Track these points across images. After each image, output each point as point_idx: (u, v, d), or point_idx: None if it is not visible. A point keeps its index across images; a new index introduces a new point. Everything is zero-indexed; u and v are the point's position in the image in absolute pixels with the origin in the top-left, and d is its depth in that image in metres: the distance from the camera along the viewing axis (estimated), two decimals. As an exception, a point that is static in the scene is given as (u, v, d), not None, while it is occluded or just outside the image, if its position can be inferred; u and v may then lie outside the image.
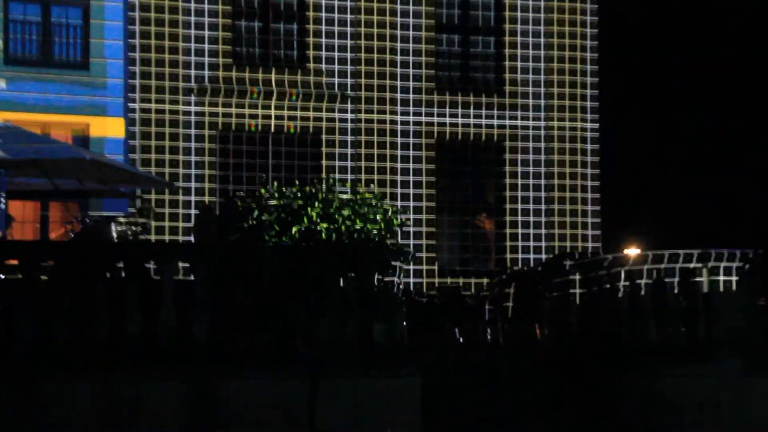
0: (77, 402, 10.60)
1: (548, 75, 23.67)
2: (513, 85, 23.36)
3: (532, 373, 14.62)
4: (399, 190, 21.81)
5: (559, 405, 13.66)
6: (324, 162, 22.08)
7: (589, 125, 23.54)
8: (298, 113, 21.97)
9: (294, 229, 14.32)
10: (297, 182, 18.47)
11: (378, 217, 15.05)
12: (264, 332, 11.48)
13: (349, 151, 22.49)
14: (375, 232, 14.80)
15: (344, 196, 15.28)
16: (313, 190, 15.51)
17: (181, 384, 11.06)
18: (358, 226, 14.58)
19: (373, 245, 14.21)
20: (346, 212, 14.59)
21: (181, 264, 12.76)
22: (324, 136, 22.32)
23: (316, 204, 14.66)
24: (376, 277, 12.54)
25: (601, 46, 25.17)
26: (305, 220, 14.41)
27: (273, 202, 14.98)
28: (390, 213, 15.54)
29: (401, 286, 15.05)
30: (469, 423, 12.81)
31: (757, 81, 31.64)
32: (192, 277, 12.12)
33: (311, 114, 22.11)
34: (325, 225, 14.33)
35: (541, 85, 23.40)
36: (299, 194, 15.28)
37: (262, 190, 16.37)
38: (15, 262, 11.82)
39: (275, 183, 18.47)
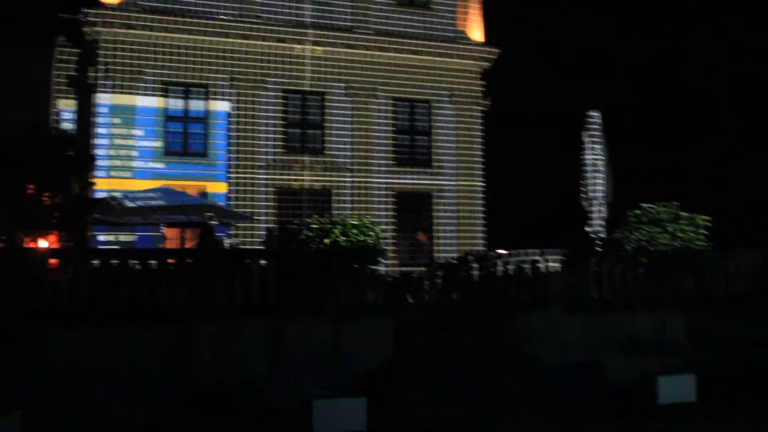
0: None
1: (457, 155, 27.35)
2: (439, 161, 27.14)
3: (452, 318, 17.38)
4: (380, 220, 23.52)
5: (464, 336, 16.12)
6: (333, 204, 25.69)
7: (479, 182, 27.52)
8: (319, 178, 25.68)
9: (327, 241, 15.54)
10: (325, 215, 19.94)
11: (371, 233, 16.28)
12: (311, 297, 14.03)
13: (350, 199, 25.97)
14: (370, 242, 15.94)
15: (354, 222, 16.35)
16: (335, 219, 16.79)
17: (266, 321, 13.59)
18: (362, 239, 15.81)
19: (368, 249, 15.43)
20: (355, 231, 15.82)
21: (262, 261, 14.64)
22: (334, 191, 25.86)
23: (338, 226, 15.79)
24: (370, 265, 15.01)
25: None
26: (332, 235, 15.59)
27: (314, 226, 16.10)
28: (377, 232, 16.70)
29: (380, 271, 16.57)
30: (416, 345, 15.02)
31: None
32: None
33: (326, 178, 25.83)
34: (343, 238, 15.54)
35: (453, 161, 27.22)
36: (328, 222, 16.38)
37: (308, 220, 17.41)
38: (172, 260, 14.57)
39: (314, 216, 19.11)
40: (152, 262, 14.19)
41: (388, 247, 22.93)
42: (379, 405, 12.43)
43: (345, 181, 26.31)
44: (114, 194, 21.18)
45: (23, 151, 15.14)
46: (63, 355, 12.56)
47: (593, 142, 22.63)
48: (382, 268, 17.27)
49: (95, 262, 13.94)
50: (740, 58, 40.04)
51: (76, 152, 17.37)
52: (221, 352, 13.44)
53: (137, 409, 12.36)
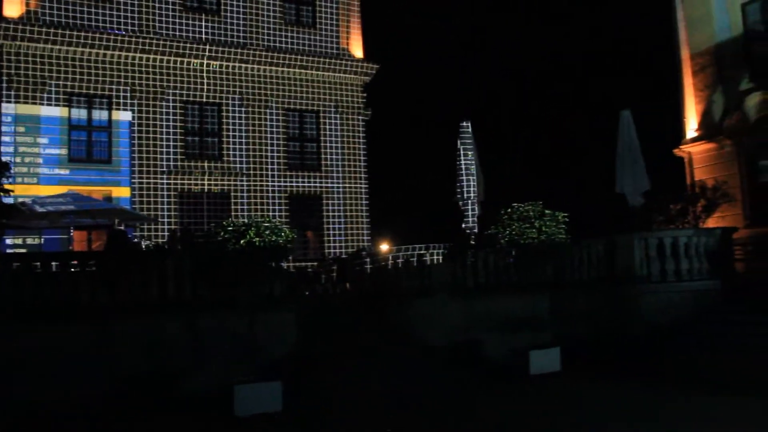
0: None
1: (342, 159, 27.89)
2: (326, 165, 27.62)
3: (347, 307, 17.48)
4: (275, 220, 20.24)
5: (361, 322, 16.12)
6: (232, 206, 25.76)
7: (362, 184, 28.10)
8: (218, 182, 25.73)
9: (242, 241, 15.59)
10: (227, 217, 21.49)
11: (282, 234, 16.36)
12: (226, 291, 13.84)
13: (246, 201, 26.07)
14: (281, 241, 16.00)
15: (266, 224, 16.32)
16: (249, 222, 16.55)
17: (184, 315, 13.42)
18: (274, 239, 15.88)
19: (280, 248, 15.62)
20: (267, 232, 15.91)
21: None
22: (232, 194, 25.93)
23: (252, 228, 15.83)
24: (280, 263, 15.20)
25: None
26: (248, 236, 15.66)
27: (230, 228, 16.04)
28: (288, 233, 16.64)
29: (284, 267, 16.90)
30: (320, 332, 15.03)
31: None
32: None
33: (224, 182, 25.87)
34: (258, 239, 15.64)
35: (340, 166, 27.79)
36: (243, 224, 16.25)
37: (224, 223, 17.08)
38: (76, 261, 14.19)
39: (230, 219, 20.32)
40: (73, 263, 13.94)
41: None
42: (292, 387, 12.64)
43: (242, 185, 26.29)
44: (23, 200, 20.34)
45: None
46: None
47: (465, 148, 23.74)
48: (283, 264, 17.35)
49: (16, 264, 13.43)
50: (594, 58, 42.03)
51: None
52: (143, 345, 13.20)
53: (63, 399, 12.10)
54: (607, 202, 19.64)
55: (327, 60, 27.98)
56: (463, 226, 23.74)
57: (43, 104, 23.34)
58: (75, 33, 23.71)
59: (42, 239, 22.90)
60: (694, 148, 24.04)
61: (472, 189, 23.61)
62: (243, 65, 26.68)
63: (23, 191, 22.00)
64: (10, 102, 22.75)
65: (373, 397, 12.93)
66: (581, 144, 37.21)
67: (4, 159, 21.61)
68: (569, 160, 38.24)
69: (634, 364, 13.86)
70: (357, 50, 28.89)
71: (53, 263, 13.95)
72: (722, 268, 16.36)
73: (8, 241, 22.03)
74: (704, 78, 24.23)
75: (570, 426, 10.22)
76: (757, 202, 21.85)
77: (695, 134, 24.19)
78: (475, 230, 22.89)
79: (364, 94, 29.04)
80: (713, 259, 16.35)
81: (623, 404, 11.36)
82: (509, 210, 17.45)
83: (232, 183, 26.15)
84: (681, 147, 24.55)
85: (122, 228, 22.44)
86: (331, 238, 27.47)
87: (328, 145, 28.03)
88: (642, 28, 35.27)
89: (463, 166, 23.90)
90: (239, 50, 26.56)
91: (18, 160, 22.48)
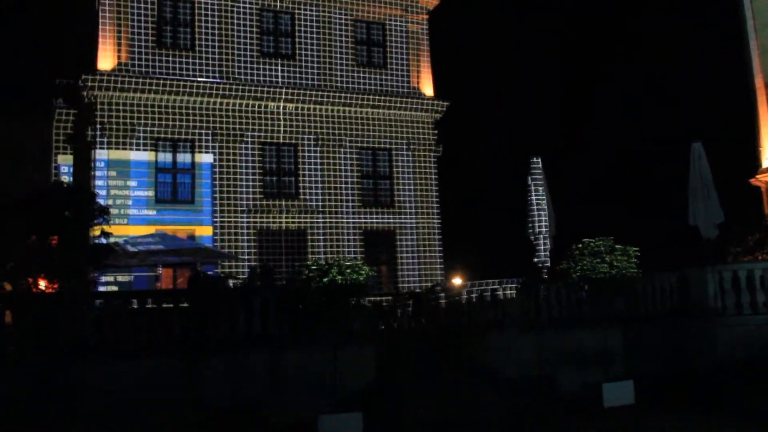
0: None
1: (416, 196, 28.75)
2: (399, 201, 28.34)
3: (423, 341, 17.92)
4: (350, 255, 24.63)
5: (436, 355, 16.77)
6: (309, 242, 26.92)
7: (435, 219, 28.73)
8: (295, 220, 26.92)
9: (325, 279, 15.75)
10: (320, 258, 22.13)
11: (362, 272, 16.24)
12: (312, 326, 14.50)
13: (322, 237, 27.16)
14: (361, 279, 16.00)
15: (347, 263, 16.42)
16: (331, 261, 16.61)
17: (269, 350, 14.16)
18: (354, 277, 15.92)
19: (360, 286, 15.77)
20: (348, 270, 15.99)
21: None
22: (308, 231, 26.93)
23: (334, 267, 15.98)
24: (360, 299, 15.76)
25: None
26: (330, 274, 15.80)
27: (314, 267, 16.33)
28: (367, 270, 16.53)
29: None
30: (397, 365, 15.67)
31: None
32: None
33: (301, 220, 26.93)
34: (340, 277, 15.76)
35: (412, 202, 28.60)
36: (326, 264, 16.42)
37: (308, 263, 17.61)
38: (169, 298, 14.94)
39: (313, 258, 21.28)
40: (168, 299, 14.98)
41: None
42: (371, 418, 13.31)
43: (317, 222, 27.34)
44: (115, 240, 21.60)
45: (44, 204, 15.84)
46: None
47: (536, 183, 24.25)
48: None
49: (118, 302, 14.72)
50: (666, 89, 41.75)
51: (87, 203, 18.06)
52: (231, 377, 14.03)
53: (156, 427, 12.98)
54: (680, 234, 19.79)
55: (398, 99, 29.00)
56: (535, 260, 24.10)
57: (132, 149, 25.02)
58: (162, 81, 25.43)
59: (132, 277, 24.25)
60: (771, 178, 23.92)
61: (543, 224, 24.04)
62: (317, 106, 27.88)
63: (114, 231, 23.18)
64: (103, 148, 24.47)
65: (449, 428, 13.51)
66: (654, 178, 36.98)
67: (98, 202, 23.89)
68: (642, 194, 37.98)
69: (708, 398, 14.04)
70: (427, 88, 29.88)
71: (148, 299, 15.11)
72: (801, 300, 16.31)
73: (102, 278, 23.31)
74: (780, 106, 24.18)
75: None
76: (838, 233, 21.52)
77: (772, 163, 24.09)
78: (547, 265, 23.27)
79: (435, 131, 29.87)
80: (792, 291, 16.33)
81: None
82: (580, 245, 17.88)
83: (308, 220, 27.22)
84: (757, 176, 24.47)
85: (202, 270, 23.39)
86: (405, 272, 28.17)
87: (400, 181, 28.90)
88: (713, 58, 35.01)
89: (534, 201, 24.38)
90: (314, 92, 27.77)
91: (110, 202, 24.00)
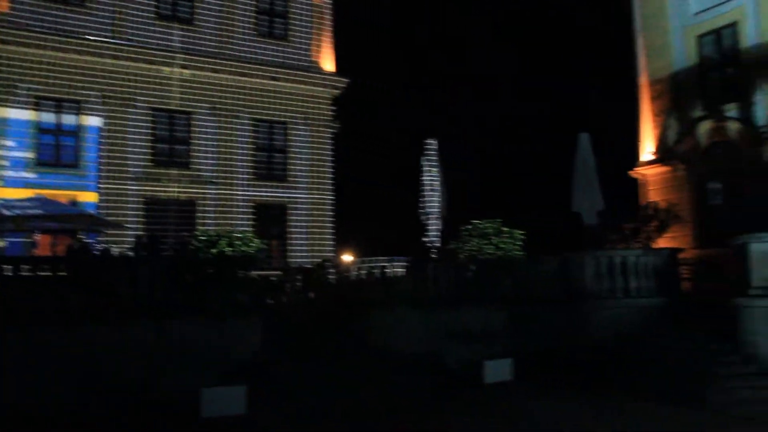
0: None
1: (310, 171, 28.42)
2: (293, 176, 28.11)
3: (312, 316, 17.83)
4: (241, 228, 22.64)
5: (324, 330, 16.73)
6: (198, 214, 26.03)
7: (328, 196, 28.60)
8: (185, 190, 26.00)
9: (213, 250, 16.42)
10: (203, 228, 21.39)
11: (253, 244, 17.29)
12: (199, 297, 14.43)
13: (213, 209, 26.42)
14: (251, 252, 16.93)
15: (238, 234, 17.00)
16: (221, 232, 17.19)
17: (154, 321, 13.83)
18: (244, 249, 16.82)
19: (251, 258, 16.75)
20: (239, 242, 16.75)
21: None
22: (199, 202, 26.21)
23: (224, 238, 16.63)
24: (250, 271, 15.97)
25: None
26: (219, 245, 16.46)
27: (203, 237, 16.83)
28: (258, 243, 17.40)
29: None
30: (285, 339, 15.58)
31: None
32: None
33: (192, 190, 26.21)
34: (229, 248, 16.51)
35: (306, 177, 28.28)
36: (215, 234, 16.79)
37: (196, 232, 17.74)
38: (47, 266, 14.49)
39: (202, 228, 20.43)
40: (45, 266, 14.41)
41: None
42: (257, 391, 13.27)
43: (209, 193, 26.78)
44: (-10, 203, 20.54)
45: None
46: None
47: (431, 165, 24.66)
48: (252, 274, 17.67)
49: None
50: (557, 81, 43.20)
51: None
52: (111, 349, 13.62)
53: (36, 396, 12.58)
54: (564, 220, 20.72)
55: (298, 72, 28.71)
56: (425, 240, 24.62)
57: (11, 107, 23.62)
58: (47, 36, 24.06)
59: (5, 242, 22.97)
60: (649, 171, 25.38)
61: (435, 204, 24.51)
62: (214, 74, 27.17)
63: (-12, 193, 22.18)
64: (-23, 104, 22.95)
65: (334, 401, 13.71)
66: (542, 164, 38.46)
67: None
68: (530, 179, 39.44)
69: (582, 375, 14.86)
70: (328, 64, 29.74)
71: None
72: (668, 286, 17.47)
73: (-28, 243, 22.10)
74: (661, 104, 25.63)
75: (515, 424, 11.15)
76: (705, 225, 23.22)
77: (650, 157, 25.54)
78: (437, 245, 23.79)
79: (333, 107, 29.69)
80: (660, 277, 17.46)
81: (567, 410, 12.35)
82: (469, 227, 18.41)
83: (199, 191, 26.58)
84: (636, 169, 25.89)
85: (84, 238, 22.78)
86: (296, 248, 28.00)
87: (295, 156, 28.62)
88: (605, 54, 36.61)
89: (427, 182, 24.81)
90: (211, 59, 27.06)
91: (-16, 162, 22.45)
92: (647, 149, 25.95)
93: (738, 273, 14.61)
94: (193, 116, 26.78)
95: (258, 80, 28.00)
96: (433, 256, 21.29)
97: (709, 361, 14.01)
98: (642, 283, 16.96)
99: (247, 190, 27.49)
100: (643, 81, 26.46)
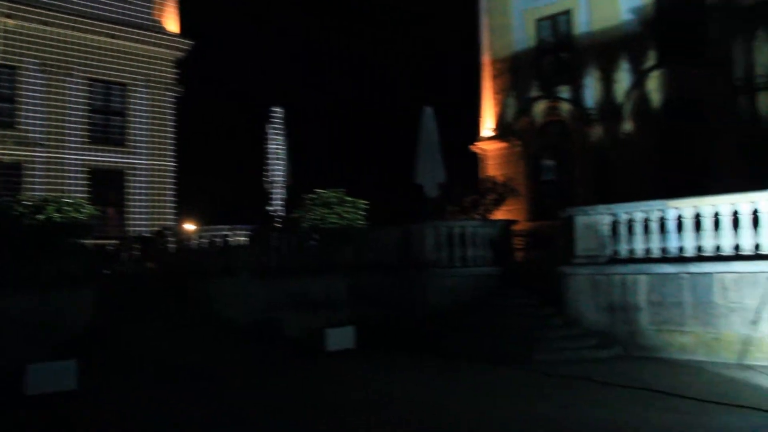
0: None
1: (151, 136, 27.62)
2: (131, 141, 27.31)
3: (149, 286, 17.96)
4: (75, 195, 19.92)
5: (163, 300, 16.69)
6: (25, 178, 24.84)
7: (170, 162, 27.96)
8: (9, 152, 24.61)
9: (40, 217, 14.78)
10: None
11: (84, 211, 15.75)
12: (24, 267, 13.56)
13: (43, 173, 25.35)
14: (83, 219, 15.46)
15: (67, 200, 15.63)
16: (48, 197, 15.95)
17: None
18: (75, 216, 15.28)
19: (81, 225, 15.24)
20: (68, 208, 15.23)
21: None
22: (26, 165, 24.87)
23: (52, 205, 15.08)
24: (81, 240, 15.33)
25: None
26: (47, 212, 14.87)
27: (28, 203, 15.23)
28: (90, 209, 16.00)
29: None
30: (120, 310, 15.29)
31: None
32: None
33: (17, 152, 24.77)
34: (58, 215, 14.93)
35: (147, 142, 27.52)
36: (42, 199, 15.50)
37: (19, 197, 16.80)
38: None
39: (29, 194, 19.18)
40: None
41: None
42: (89, 365, 12.61)
43: (37, 156, 25.28)
44: None
45: None
46: None
47: (276, 133, 24.46)
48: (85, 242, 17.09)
49: None
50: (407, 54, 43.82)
51: None
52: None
53: None
54: (407, 192, 21.23)
55: (138, 31, 27.46)
56: (269, 209, 24.43)
57: None
58: None
59: None
60: (488, 146, 26.53)
61: (279, 173, 24.38)
62: (45, 27, 25.61)
63: None
64: None
65: (173, 372, 13.38)
66: (388, 136, 39.12)
67: None
68: (375, 150, 40.03)
69: (422, 341, 15.42)
70: (171, 24, 28.57)
71: None
72: (503, 256, 18.38)
73: None
74: (501, 82, 26.77)
75: (353, 389, 11.41)
76: (538, 199, 24.69)
77: (490, 133, 26.69)
78: (281, 214, 23.71)
79: (177, 70, 28.74)
80: (496, 248, 18.32)
81: (403, 375, 12.79)
82: (312, 195, 18.45)
83: (26, 153, 25.06)
84: (477, 144, 26.98)
85: None
86: (135, 215, 27.18)
87: (134, 119, 27.54)
88: (453, 30, 37.55)
89: (272, 150, 24.60)
90: (41, 10, 25.43)
91: None
92: (487, 125, 27.07)
93: (565, 244, 15.59)
94: (20, 72, 24.97)
95: (94, 36, 26.53)
96: (277, 224, 21.25)
97: (539, 325, 14.92)
98: (479, 252, 17.70)
99: (81, 154, 26.25)
100: (486, 59, 27.48)
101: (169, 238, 19.18)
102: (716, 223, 13.34)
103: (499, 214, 22.36)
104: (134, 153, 27.29)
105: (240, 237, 18.86)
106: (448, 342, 15.14)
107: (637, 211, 14.37)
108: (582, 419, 9.01)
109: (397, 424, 9.08)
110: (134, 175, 27.19)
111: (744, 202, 12.93)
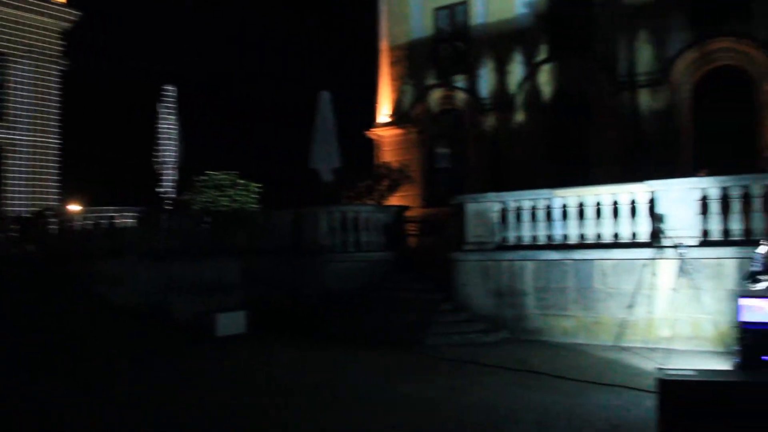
0: None
1: (33, 111, 26.38)
2: (10, 115, 25.72)
3: (28, 269, 17.11)
4: None
5: (44, 283, 16.06)
6: None
7: (54, 138, 26.89)
8: None
9: None
10: None
11: None
12: None
13: None
14: None
15: None
16: None
17: None
18: None
19: None
20: None
21: None
22: None
23: None
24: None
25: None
26: None
27: None
28: None
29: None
30: None
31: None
32: None
33: None
34: None
35: (28, 117, 26.12)
36: None
37: None
38: None
39: None
40: None
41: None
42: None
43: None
44: None
45: None
46: None
47: (168, 113, 23.70)
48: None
49: None
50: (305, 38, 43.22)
51: None
52: None
53: None
54: (302, 176, 21.08)
55: (19, -2, 25.95)
56: (159, 190, 23.73)
57: None
58: None
59: None
60: (384, 132, 26.70)
61: (170, 154, 23.70)
62: None
63: None
64: None
65: (60, 354, 12.87)
66: (284, 120, 38.80)
67: None
68: (271, 134, 39.65)
69: (315, 326, 15.39)
70: (57, -8, 27.19)
71: None
72: (396, 241, 18.58)
73: None
74: (399, 70, 26.94)
75: (237, 372, 11.28)
76: (432, 186, 25.09)
77: (387, 119, 26.85)
78: (172, 195, 23.08)
79: (63, 42, 27.40)
80: (389, 233, 18.50)
81: (292, 360, 12.74)
82: (204, 177, 18.07)
83: None
84: (373, 130, 27.09)
85: None
86: (13, 194, 25.86)
87: (15, 92, 26.07)
88: (353, 15, 37.46)
89: (163, 130, 23.86)
90: None
91: None
92: (384, 111, 27.21)
93: (456, 230, 15.89)
94: None
95: (-30, 2, 24.79)
96: (168, 207, 20.67)
97: (430, 310, 15.11)
98: (372, 237, 17.82)
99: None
100: (384, 46, 27.57)
101: (51, 219, 18.22)
102: (598, 213, 13.95)
103: (394, 200, 22.56)
104: (14, 128, 25.91)
105: (128, 219, 18.25)
106: (340, 326, 15.18)
107: (525, 199, 14.82)
108: (465, 402, 9.23)
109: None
110: (14, 151, 25.84)
111: (623, 192, 13.59)
